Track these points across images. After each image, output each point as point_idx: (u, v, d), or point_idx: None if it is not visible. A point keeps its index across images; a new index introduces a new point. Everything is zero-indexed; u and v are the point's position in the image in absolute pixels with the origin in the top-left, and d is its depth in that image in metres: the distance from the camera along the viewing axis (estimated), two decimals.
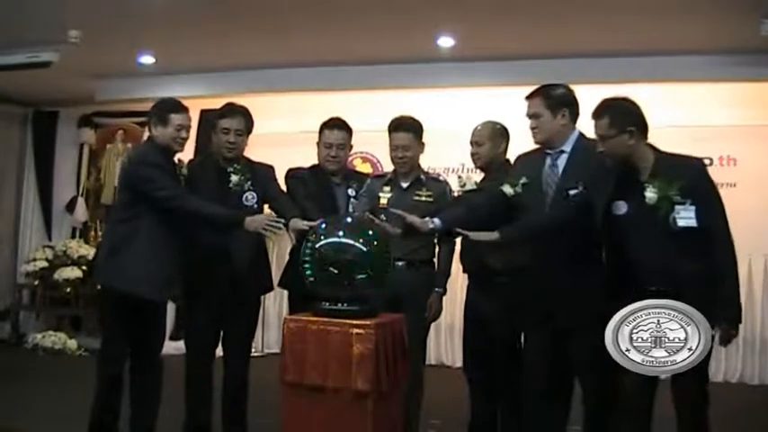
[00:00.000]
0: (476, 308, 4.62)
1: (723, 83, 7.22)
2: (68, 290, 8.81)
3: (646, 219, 3.57)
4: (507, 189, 4.16)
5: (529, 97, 4.20)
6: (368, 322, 3.66)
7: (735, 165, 7.59)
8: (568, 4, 5.84)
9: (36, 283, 9.09)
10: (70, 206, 9.66)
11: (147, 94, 7.86)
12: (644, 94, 7.51)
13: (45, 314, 9.28)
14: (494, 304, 4.39)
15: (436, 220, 4.09)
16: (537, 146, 4.20)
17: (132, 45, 7.12)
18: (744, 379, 7.52)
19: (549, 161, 4.14)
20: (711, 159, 7.54)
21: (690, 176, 3.57)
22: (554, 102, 4.10)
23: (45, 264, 9.02)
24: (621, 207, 3.68)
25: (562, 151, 4.07)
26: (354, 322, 3.66)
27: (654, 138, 7.33)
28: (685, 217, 3.52)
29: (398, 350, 3.88)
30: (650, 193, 3.55)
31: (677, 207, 3.53)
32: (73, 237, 9.57)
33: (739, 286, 3.57)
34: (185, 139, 4.41)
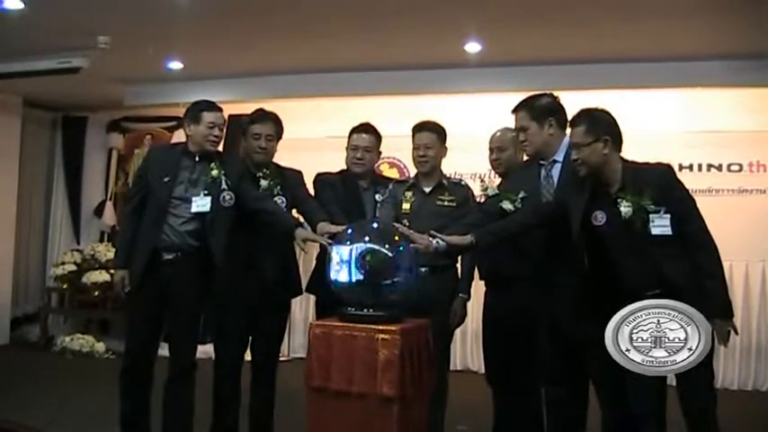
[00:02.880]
0: (493, 314, 4.62)
1: (754, 88, 7.14)
2: (96, 293, 8.87)
3: (625, 230, 3.60)
4: (507, 205, 4.16)
5: (514, 111, 4.23)
6: (393, 328, 3.65)
7: (765, 171, 7.50)
8: (596, 10, 5.81)
9: (65, 286, 9.14)
10: (99, 210, 9.73)
11: (175, 100, 7.93)
12: (674, 100, 7.57)
13: (73, 317, 9.35)
14: (509, 310, 4.38)
15: (441, 243, 4.08)
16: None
17: (161, 51, 7.16)
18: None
19: (543, 172, 4.14)
20: (741, 165, 7.51)
21: (659, 184, 3.62)
22: (538, 112, 4.12)
23: (73, 267, 9.08)
24: (600, 218, 3.70)
25: (555, 161, 4.07)
26: (380, 327, 3.65)
27: (686, 142, 7.35)
28: (660, 225, 3.57)
29: (424, 355, 3.87)
30: (625, 208, 3.59)
31: (651, 216, 3.57)
32: (101, 240, 9.64)
33: (726, 282, 3.61)
34: (218, 137, 4.45)
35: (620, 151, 3.72)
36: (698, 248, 3.57)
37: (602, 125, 3.69)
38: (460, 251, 4.35)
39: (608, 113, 3.77)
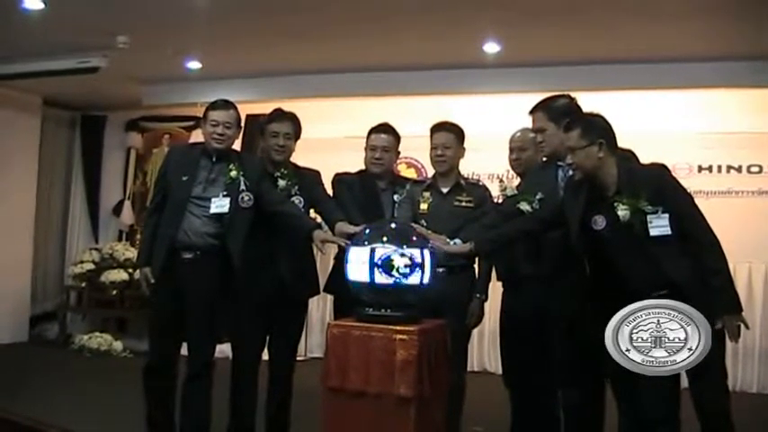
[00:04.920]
0: (510, 314, 4.60)
1: None
2: (114, 292, 8.90)
3: (625, 232, 3.60)
4: (524, 206, 4.17)
5: (531, 112, 4.25)
6: (411, 328, 3.65)
7: None
8: (614, 11, 5.79)
9: (83, 285, 9.18)
10: (117, 209, 9.77)
11: (193, 99, 7.94)
12: (692, 101, 7.55)
13: (91, 316, 9.38)
14: (526, 311, 4.36)
15: (458, 241, 4.09)
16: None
17: (179, 50, 7.18)
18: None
19: (560, 173, 4.14)
20: (761, 166, 7.45)
21: (654, 184, 3.61)
22: (556, 113, 4.12)
23: (92, 266, 9.12)
24: (600, 222, 3.69)
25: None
26: (398, 328, 3.65)
27: (705, 144, 7.32)
28: (658, 226, 3.56)
29: (441, 356, 3.87)
30: (622, 212, 3.59)
31: (650, 217, 3.56)
32: (119, 240, 9.67)
33: (731, 277, 3.60)
34: (222, 136, 4.42)
35: (615, 155, 3.70)
36: (699, 245, 3.56)
37: (596, 129, 3.68)
38: (463, 258, 4.37)
39: (602, 117, 3.77)
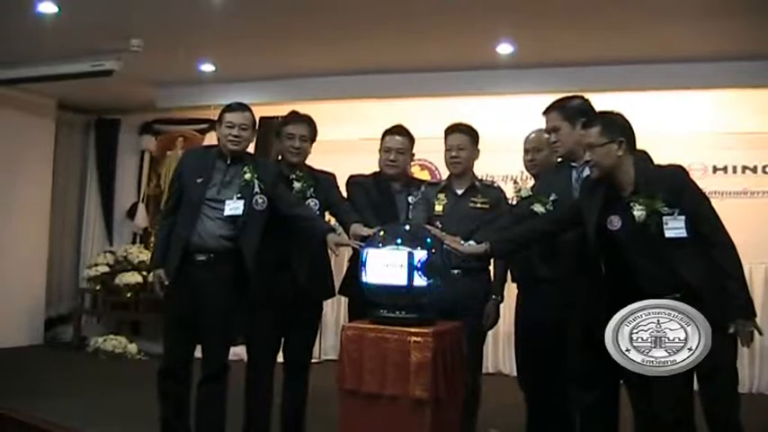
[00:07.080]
0: (525, 316, 4.59)
1: None
2: (129, 295, 8.91)
3: (641, 233, 3.56)
4: (538, 208, 4.15)
5: (545, 112, 4.23)
6: (426, 330, 3.64)
7: None
8: (627, 11, 5.79)
9: (97, 287, 9.21)
10: (131, 212, 9.80)
11: (207, 102, 7.96)
12: (707, 101, 7.52)
13: (106, 318, 9.42)
14: (541, 313, 4.34)
15: (472, 243, 4.08)
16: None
17: (193, 53, 7.20)
18: None
19: (574, 174, 4.12)
20: None
21: (671, 186, 3.57)
22: (571, 113, 4.10)
23: (106, 269, 9.15)
24: (616, 222, 3.66)
25: (587, 162, 4.02)
26: (412, 330, 3.64)
27: (720, 144, 7.29)
28: (674, 227, 3.52)
29: (456, 358, 3.86)
30: (638, 212, 3.56)
31: (665, 218, 3.52)
32: (133, 242, 9.71)
33: (746, 282, 3.54)
34: (238, 137, 4.41)
35: (633, 154, 3.67)
36: (714, 248, 3.51)
37: (616, 127, 3.65)
38: (478, 259, 4.36)
39: (622, 116, 3.74)
